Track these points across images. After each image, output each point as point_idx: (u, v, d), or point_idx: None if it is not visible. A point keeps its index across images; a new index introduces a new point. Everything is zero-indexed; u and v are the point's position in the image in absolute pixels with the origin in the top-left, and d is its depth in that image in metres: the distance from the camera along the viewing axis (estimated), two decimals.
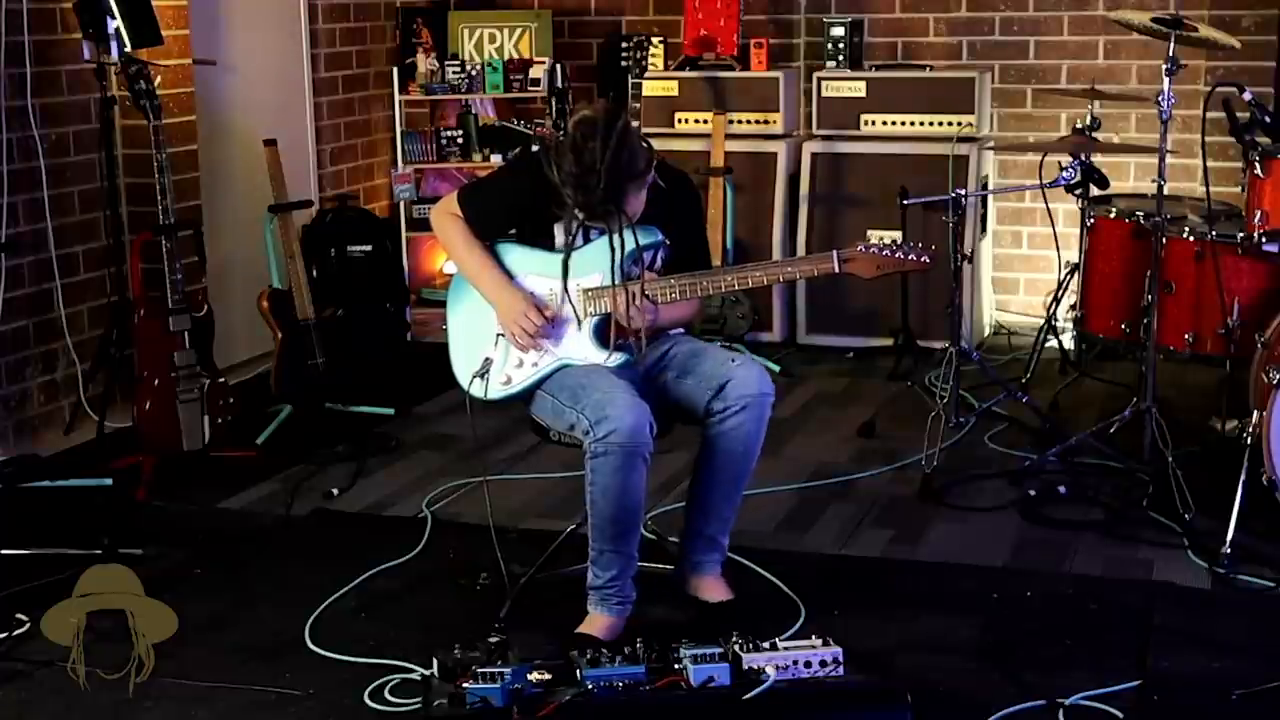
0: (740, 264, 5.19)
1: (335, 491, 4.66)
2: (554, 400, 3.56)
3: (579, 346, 3.58)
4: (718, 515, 3.67)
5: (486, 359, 3.63)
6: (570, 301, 3.57)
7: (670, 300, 3.55)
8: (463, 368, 3.69)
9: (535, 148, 6.63)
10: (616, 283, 3.50)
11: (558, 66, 6.78)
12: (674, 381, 3.62)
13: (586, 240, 3.61)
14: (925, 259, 3.51)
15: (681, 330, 3.80)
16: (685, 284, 3.55)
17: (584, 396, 3.44)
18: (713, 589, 3.69)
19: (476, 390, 3.64)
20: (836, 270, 3.52)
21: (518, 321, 3.57)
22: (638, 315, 3.49)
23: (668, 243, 3.62)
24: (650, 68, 6.68)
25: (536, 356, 3.60)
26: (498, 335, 3.63)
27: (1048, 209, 5.72)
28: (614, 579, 3.48)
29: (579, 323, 3.58)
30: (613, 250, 3.46)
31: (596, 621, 3.49)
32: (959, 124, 6.19)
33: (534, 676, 2.96)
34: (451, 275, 3.89)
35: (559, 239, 3.64)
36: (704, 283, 3.56)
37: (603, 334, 3.58)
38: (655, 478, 4.63)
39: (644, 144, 3.47)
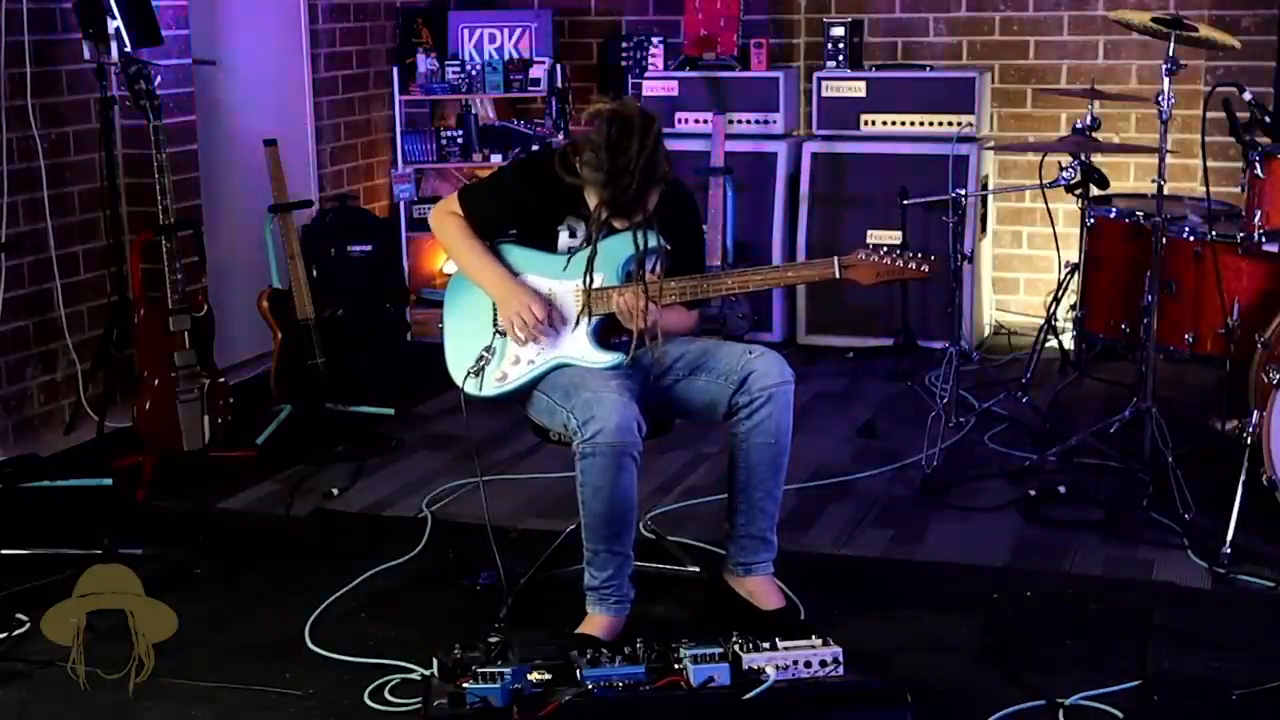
0: (741, 267, 5.22)
1: (335, 491, 4.66)
2: (548, 399, 3.56)
3: (577, 346, 3.58)
4: (762, 511, 3.62)
5: (482, 355, 3.62)
6: (586, 295, 3.54)
7: (671, 303, 3.55)
8: (458, 367, 3.68)
9: (536, 147, 6.66)
10: (634, 280, 3.48)
11: (558, 66, 6.78)
12: (685, 381, 3.61)
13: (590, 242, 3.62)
14: (925, 268, 3.49)
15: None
16: (687, 286, 3.54)
17: (574, 396, 3.44)
18: (768, 594, 3.63)
19: (470, 387, 3.63)
20: (836, 276, 3.51)
21: (519, 314, 3.55)
22: (646, 313, 3.48)
23: (668, 249, 3.61)
24: (650, 68, 6.68)
25: (534, 354, 3.60)
26: (495, 332, 3.63)
27: (1048, 209, 5.71)
28: (610, 579, 3.47)
29: (579, 322, 3.58)
30: (637, 249, 3.45)
31: (595, 621, 3.49)
32: (959, 124, 6.20)
33: (534, 676, 2.96)
34: (451, 275, 3.88)
35: (562, 240, 3.63)
36: (705, 285, 3.56)
37: (602, 335, 3.58)
38: (655, 478, 4.64)
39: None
